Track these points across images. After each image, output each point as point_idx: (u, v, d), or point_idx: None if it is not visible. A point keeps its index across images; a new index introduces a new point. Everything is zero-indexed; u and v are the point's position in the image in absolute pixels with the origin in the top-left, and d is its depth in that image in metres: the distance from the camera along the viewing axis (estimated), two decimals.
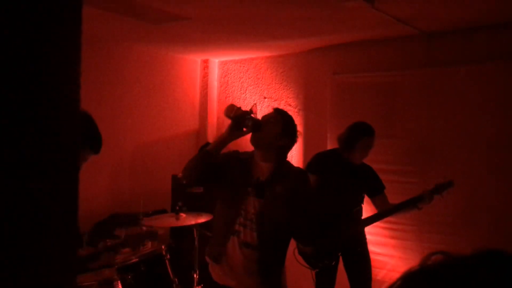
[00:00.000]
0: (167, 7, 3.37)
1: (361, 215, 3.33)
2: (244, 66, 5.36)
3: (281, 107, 5.04)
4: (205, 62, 5.50)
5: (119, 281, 3.05)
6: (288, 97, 4.99)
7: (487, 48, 3.74)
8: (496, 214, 3.64)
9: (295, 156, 4.94)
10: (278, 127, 2.39)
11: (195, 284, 3.49)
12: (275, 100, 5.09)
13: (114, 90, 4.63)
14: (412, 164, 4.01)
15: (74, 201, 0.78)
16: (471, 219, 3.72)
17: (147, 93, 4.96)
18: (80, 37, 0.79)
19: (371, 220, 3.25)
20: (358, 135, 3.23)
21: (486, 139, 3.70)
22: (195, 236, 3.53)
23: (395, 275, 4.33)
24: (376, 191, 3.33)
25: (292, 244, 3.27)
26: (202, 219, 3.45)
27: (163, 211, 4.30)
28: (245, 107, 5.65)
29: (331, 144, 4.48)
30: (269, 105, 5.14)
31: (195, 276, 3.50)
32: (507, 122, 3.63)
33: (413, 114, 4.06)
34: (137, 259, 3.24)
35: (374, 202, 3.35)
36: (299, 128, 4.85)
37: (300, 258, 3.24)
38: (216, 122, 5.57)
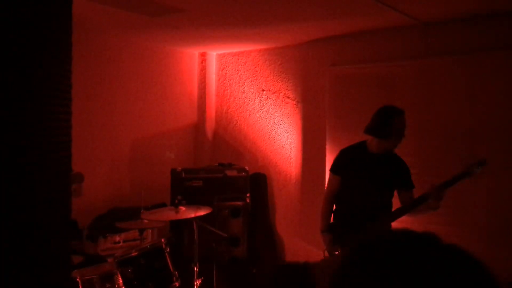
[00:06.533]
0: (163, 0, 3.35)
1: (390, 210, 3.11)
2: (242, 59, 5.34)
3: (279, 99, 5.07)
4: (203, 55, 5.48)
5: (119, 275, 3.06)
6: (286, 89, 4.98)
7: (486, 37, 3.73)
8: (497, 203, 3.64)
9: (294, 149, 4.94)
10: None
11: (195, 277, 3.50)
12: (274, 93, 5.07)
13: (112, 84, 4.62)
14: (411, 154, 4.00)
15: (66, 200, 0.77)
16: (469, 209, 3.72)
17: (145, 87, 4.94)
18: (70, 33, 0.77)
19: (392, 216, 3.05)
20: (394, 116, 3.02)
21: (486, 129, 3.69)
22: (195, 229, 3.53)
23: None
24: (404, 186, 3.10)
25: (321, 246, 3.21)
26: (201, 212, 3.45)
27: (163, 205, 4.31)
28: (243, 100, 5.64)
29: (330, 135, 4.48)
30: (267, 98, 5.13)
31: (195, 269, 3.51)
32: (507, 111, 3.62)
33: (411, 105, 4.04)
34: (137, 253, 3.24)
35: (400, 197, 3.14)
36: (298, 120, 4.86)
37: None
38: (215, 115, 5.56)
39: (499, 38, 3.67)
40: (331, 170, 3.24)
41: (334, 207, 3.26)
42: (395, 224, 3.12)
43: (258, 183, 5.04)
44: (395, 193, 3.17)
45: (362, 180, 3.07)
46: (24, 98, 0.65)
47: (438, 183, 2.87)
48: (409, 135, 4.05)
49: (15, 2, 0.65)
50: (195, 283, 3.50)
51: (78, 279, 2.86)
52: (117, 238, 3.97)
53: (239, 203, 4.68)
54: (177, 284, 3.36)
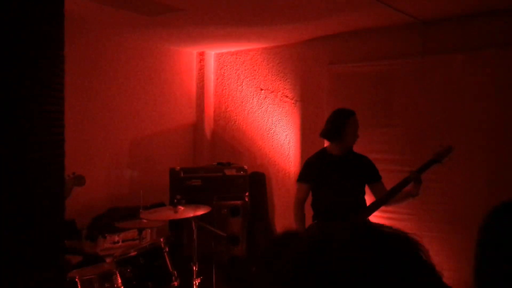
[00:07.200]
0: None
1: (364, 206, 3.28)
2: (240, 58, 5.34)
3: (278, 98, 5.06)
4: (201, 55, 5.47)
5: (118, 274, 3.06)
6: (284, 88, 4.98)
7: (484, 35, 3.73)
8: (495, 202, 3.64)
9: (292, 147, 4.94)
10: None
11: (194, 276, 3.50)
12: (272, 92, 5.07)
13: (110, 84, 4.61)
14: (409, 153, 4.01)
15: (60, 201, 0.77)
16: (469, 207, 3.73)
17: (143, 86, 4.94)
18: (62, 31, 0.77)
19: (369, 210, 3.21)
20: (343, 118, 3.25)
21: (484, 127, 3.70)
22: (194, 228, 3.53)
23: None
24: (373, 179, 3.31)
25: None
26: (200, 212, 3.45)
27: (162, 204, 4.30)
28: (242, 99, 5.62)
29: None
30: (266, 97, 5.13)
31: (194, 268, 3.51)
32: (504, 109, 3.62)
33: (410, 103, 4.06)
34: (136, 252, 3.24)
35: (372, 190, 3.32)
36: (296, 119, 4.85)
37: None
38: (213, 115, 5.56)
39: (497, 36, 3.67)
40: (299, 180, 3.42)
41: (313, 212, 3.40)
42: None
43: (257, 182, 5.04)
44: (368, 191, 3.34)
45: (333, 183, 3.24)
46: (15, 98, 0.65)
47: (415, 169, 3.09)
48: (408, 133, 4.08)
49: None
50: (194, 282, 3.50)
51: (77, 279, 2.86)
52: (116, 238, 3.96)
53: (238, 202, 4.68)
54: (176, 283, 3.36)
